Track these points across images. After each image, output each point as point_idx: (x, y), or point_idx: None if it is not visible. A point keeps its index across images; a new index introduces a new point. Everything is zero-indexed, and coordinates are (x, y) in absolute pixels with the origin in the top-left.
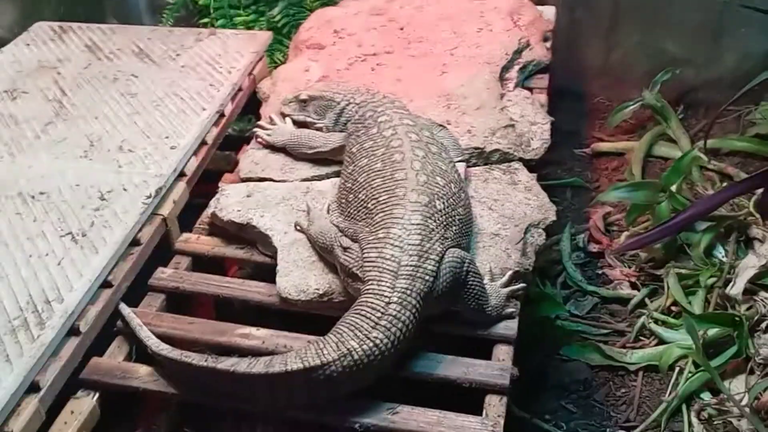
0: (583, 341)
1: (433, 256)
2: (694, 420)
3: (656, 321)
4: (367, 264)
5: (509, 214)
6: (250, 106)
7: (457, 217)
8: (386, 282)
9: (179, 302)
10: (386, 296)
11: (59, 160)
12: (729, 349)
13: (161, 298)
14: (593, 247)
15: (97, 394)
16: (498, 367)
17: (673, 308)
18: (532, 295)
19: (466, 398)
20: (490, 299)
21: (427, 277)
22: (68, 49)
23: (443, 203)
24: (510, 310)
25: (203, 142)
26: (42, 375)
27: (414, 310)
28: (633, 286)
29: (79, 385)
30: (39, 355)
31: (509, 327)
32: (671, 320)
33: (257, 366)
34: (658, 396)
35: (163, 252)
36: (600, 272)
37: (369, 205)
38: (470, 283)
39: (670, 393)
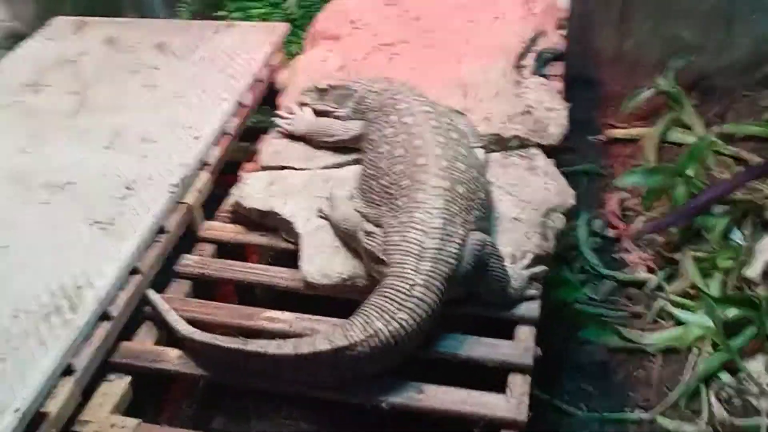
0: (601, 324)
1: (456, 239)
2: (714, 400)
3: (674, 304)
4: (390, 248)
5: (528, 199)
6: (268, 96)
7: (477, 201)
8: (410, 265)
9: (201, 288)
10: (411, 279)
11: (84, 151)
12: (747, 330)
13: (187, 284)
14: (610, 232)
15: (129, 377)
16: (521, 347)
17: (690, 291)
18: (550, 279)
19: (486, 379)
20: (512, 281)
21: (450, 260)
22: (88, 42)
23: (464, 188)
24: (532, 292)
25: (224, 133)
26: (76, 358)
27: (438, 293)
28: (649, 270)
29: (111, 368)
30: (73, 339)
31: (531, 308)
32: (689, 303)
33: (286, 347)
34: (676, 377)
35: (186, 239)
36: (617, 257)
37: (391, 190)
38: (492, 265)
39: (688, 374)
